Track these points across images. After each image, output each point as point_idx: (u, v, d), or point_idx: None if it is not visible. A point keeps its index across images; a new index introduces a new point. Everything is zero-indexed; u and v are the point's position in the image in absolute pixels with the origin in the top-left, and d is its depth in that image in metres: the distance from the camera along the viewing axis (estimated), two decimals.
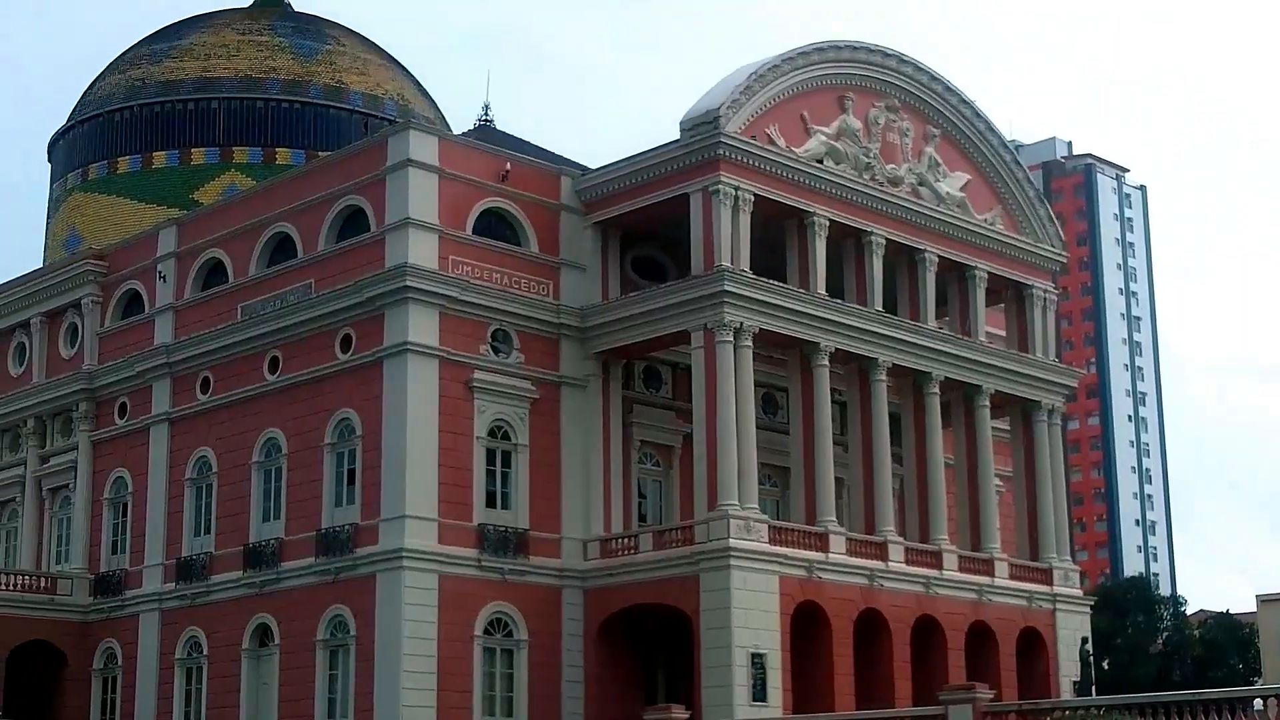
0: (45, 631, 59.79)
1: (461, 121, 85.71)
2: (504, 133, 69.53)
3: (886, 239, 57.69)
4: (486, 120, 73.97)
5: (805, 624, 52.14)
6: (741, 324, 52.58)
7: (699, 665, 50.47)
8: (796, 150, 55.65)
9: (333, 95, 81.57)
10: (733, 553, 50.25)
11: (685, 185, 53.80)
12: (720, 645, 49.87)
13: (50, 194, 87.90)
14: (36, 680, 60.01)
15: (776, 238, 55.51)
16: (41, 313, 65.48)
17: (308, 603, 52.40)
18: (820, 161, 56.32)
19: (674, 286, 54.42)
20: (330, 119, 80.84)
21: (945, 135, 61.20)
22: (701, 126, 53.39)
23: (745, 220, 53.40)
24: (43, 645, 59.75)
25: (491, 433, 52.85)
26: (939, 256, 59.48)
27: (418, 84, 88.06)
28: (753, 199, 53.66)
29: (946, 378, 58.96)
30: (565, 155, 63.90)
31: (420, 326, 51.52)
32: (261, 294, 56.75)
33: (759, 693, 49.92)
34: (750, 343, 52.94)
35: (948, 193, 60.41)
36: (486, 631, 51.43)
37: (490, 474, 52.71)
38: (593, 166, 58.11)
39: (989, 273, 61.37)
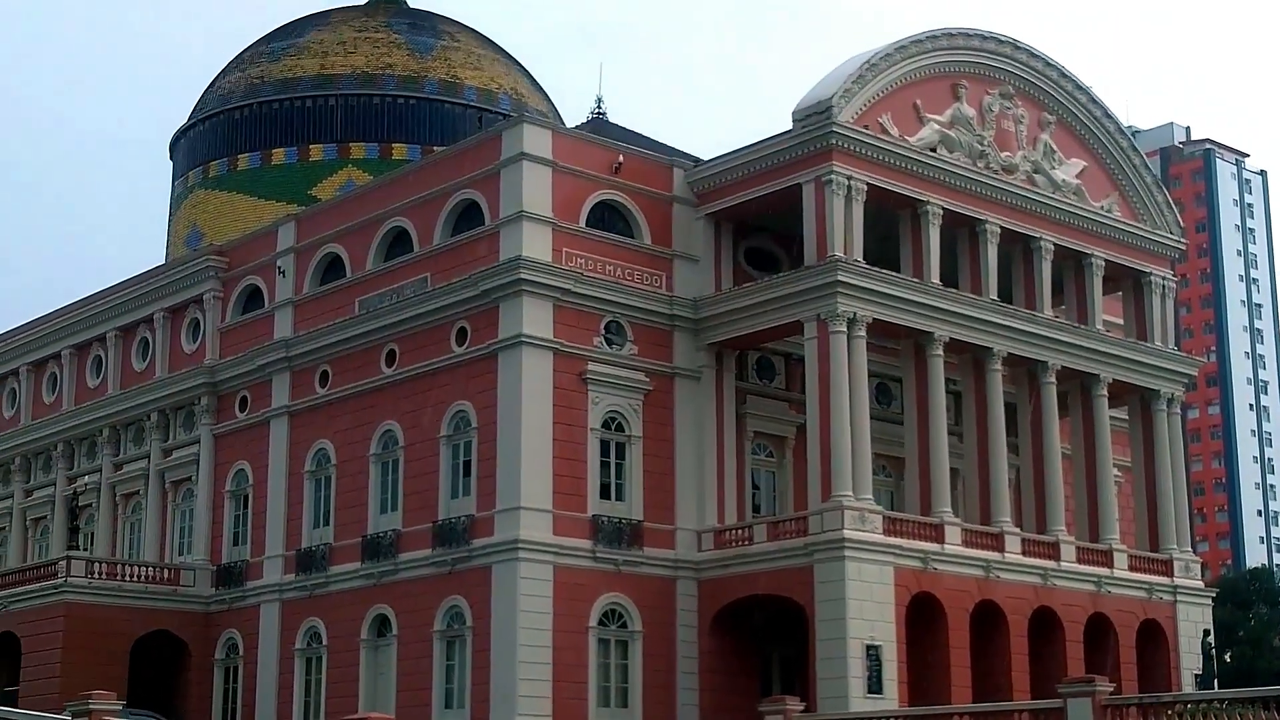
0: (168, 622, 60.74)
1: (574, 115, 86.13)
2: (617, 125, 69.70)
3: (1001, 227, 57.17)
4: (599, 113, 74.24)
5: (921, 616, 51.81)
6: (855, 314, 52.36)
7: (813, 657, 50.32)
8: (909, 139, 55.28)
9: (448, 91, 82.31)
10: (847, 544, 50.06)
11: (798, 175, 53.65)
12: (835, 637, 49.71)
13: (172, 191, 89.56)
14: (160, 670, 61.02)
15: (890, 227, 55.20)
16: (164, 308, 66.57)
17: (425, 594, 52.90)
18: (934, 150, 55.93)
19: (787, 277, 54.29)
20: (445, 114, 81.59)
21: (1060, 122, 60.50)
22: (814, 116, 53.22)
23: (858, 210, 53.17)
24: (166, 635, 60.70)
25: (605, 424, 53.07)
26: (1055, 244, 58.85)
27: (531, 78, 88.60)
28: (865, 188, 53.39)
29: (1063, 367, 58.33)
30: (677, 147, 63.95)
31: (534, 319, 51.84)
32: (378, 288, 57.37)
33: (875, 685, 49.65)
34: (864, 333, 52.70)
35: (1063, 180, 59.73)
36: (601, 622, 51.66)
37: (604, 465, 52.92)
38: (705, 158, 58.12)
39: (1106, 260, 60.60)
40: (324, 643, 56.58)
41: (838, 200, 52.65)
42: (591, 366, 52.86)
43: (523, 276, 51.59)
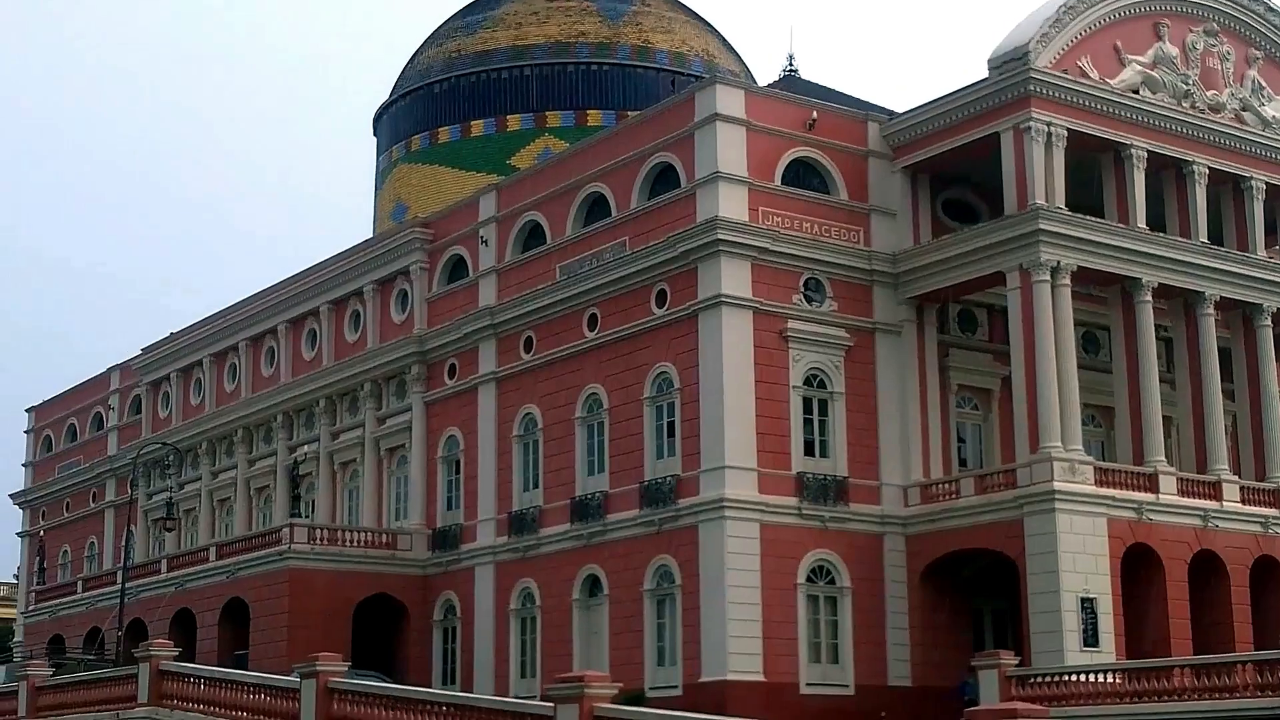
0: (388, 585, 62.21)
1: (766, 73, 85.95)
2: (809, 82, 69.39)
3: (1209, 168, 55.69)
4: (791, 70, 73.95)
5: (1136, 567, 50.94)
6: (1058, 262, 51.54)
7: (1026, 610, 49.80)
8: (1110, 81, 54.13)
9: (640, 55, 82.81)
10: (1058, 495, 49.37)
11: (995, 124, 52.91)
12: (1048, 590, 49.09)
13: (377, 166, 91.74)
14: (381, 632, 62.74)
15: (1092, 172, 54.17)
16: (373, 281, 68.14)
17: (634, 553, 53.57)
18: (1136, 92, 54.68)
19: (987, 227, 53.63)
20: (638, 79, 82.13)
21: (1268, 56, 58.62)
22: (1010, 63, 52.40)
23: (1059, 156, 52.25)
24: (386, 598, 62.24)
25: (807, 381, 53.07)
26: (1266, 183, 57.15)
27: (722, 39, 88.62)
28: (1066, 134, 52.44)
29: (1279, 309, 56.71)
30: (871, 101, 63.48)
31: (733, 278, 52.00)
32: (578, 253, 58.06)
33: (1090, 638, 48.94)
34: (1068, 281, 51.85)
35: (1274, 116, 57.91)
36: (809, 579, 51.76)
37: (807, 422, 52.91)
38: (900, 111, 57.61)
39: None
40: (537, 603, 57.61)
41: (1037, 147, 51.80)
42: (791, 324, 52.87)
43: (720, 237, 51.76)
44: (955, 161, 55.40)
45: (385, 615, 62.60)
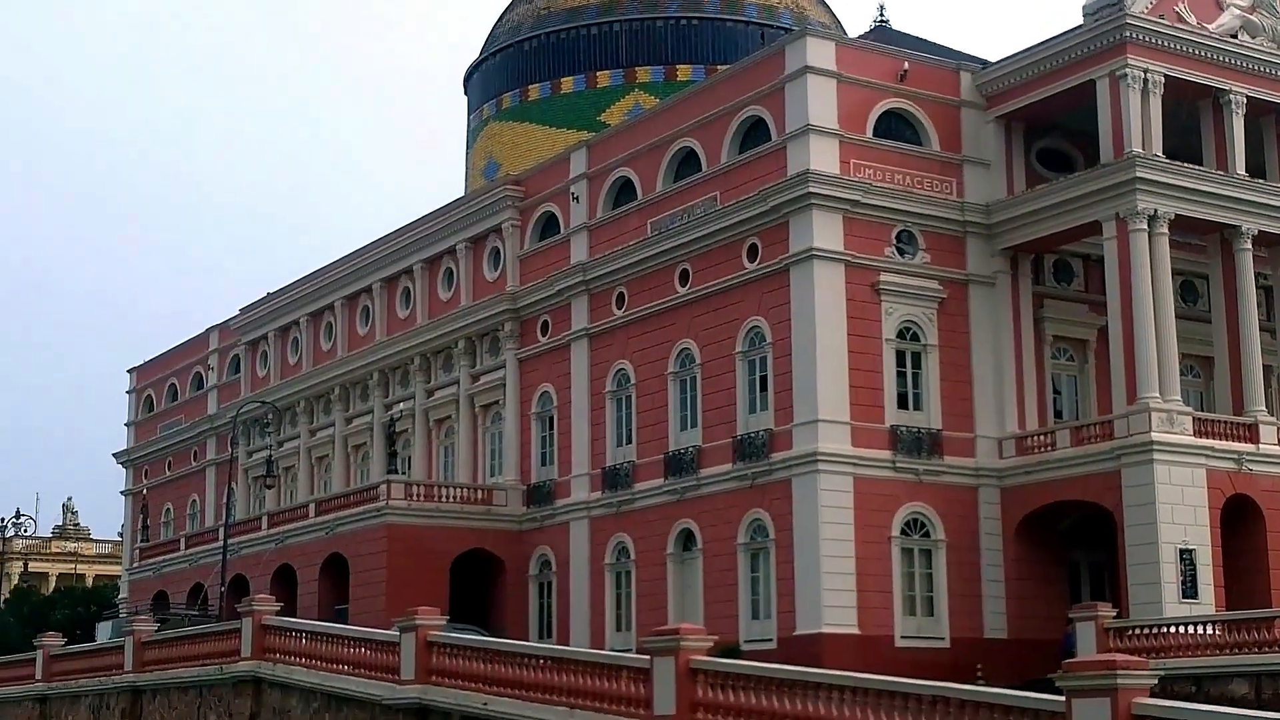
0: (484, 540, 62.67)
1: (857, 24, 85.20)
2: (900, 32, 68.76)
3: None
4: (882, 21, 73.36)
5: (1236, 518, 50.37)
6: (1156, 211, 50.87)
7: (1123, 562, 49.42)
8: (1208, 26, 53.22)
9: (729, 9, 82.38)
10: (1156, 446, 48.87)
11: (1090, 71, 52.22)
12: (1146, 542, 48.67)
13: (468, 125, 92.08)
14: (478, 586, 63.33)
15: (1190, 119, 53.34)
16: (466, 239, 68.47)
17: (727, 508, 53.67)
18: (1234, 36, 53.75)
19: (1083, 176, 53.00)
20: (727, 33, 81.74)
21: None
22: (1106, 9, 51.65)
23: (1155, 103, 51.49)
24: (482, 553, 62.80)
25: (900, 334, 52.81)
26: None
27: None
28: (1163, 80, 51.66)
29: None
30: (963, 50, 62.81)
31: (824, 232, 51.79)
32: (669, 209, 58.06)
33: (1189, 590, 48.52)
34: (1165, 230, 51.17)
35: None
36: (903, 532, 51.64)
37: (900, 375, 52.68)
38: (992, 60, 56.98)
39: None
40: (632, 557, 57.91)
41: (1133, 94, 51.08)
42: (884, 277, 52.59)
43: (811, 190, 51.53)
44: (1049, 110, 54.77)
45: (481, 570, 63.18)
